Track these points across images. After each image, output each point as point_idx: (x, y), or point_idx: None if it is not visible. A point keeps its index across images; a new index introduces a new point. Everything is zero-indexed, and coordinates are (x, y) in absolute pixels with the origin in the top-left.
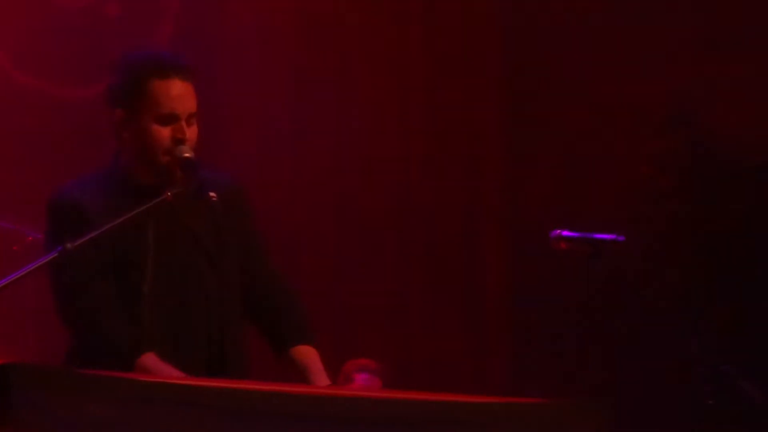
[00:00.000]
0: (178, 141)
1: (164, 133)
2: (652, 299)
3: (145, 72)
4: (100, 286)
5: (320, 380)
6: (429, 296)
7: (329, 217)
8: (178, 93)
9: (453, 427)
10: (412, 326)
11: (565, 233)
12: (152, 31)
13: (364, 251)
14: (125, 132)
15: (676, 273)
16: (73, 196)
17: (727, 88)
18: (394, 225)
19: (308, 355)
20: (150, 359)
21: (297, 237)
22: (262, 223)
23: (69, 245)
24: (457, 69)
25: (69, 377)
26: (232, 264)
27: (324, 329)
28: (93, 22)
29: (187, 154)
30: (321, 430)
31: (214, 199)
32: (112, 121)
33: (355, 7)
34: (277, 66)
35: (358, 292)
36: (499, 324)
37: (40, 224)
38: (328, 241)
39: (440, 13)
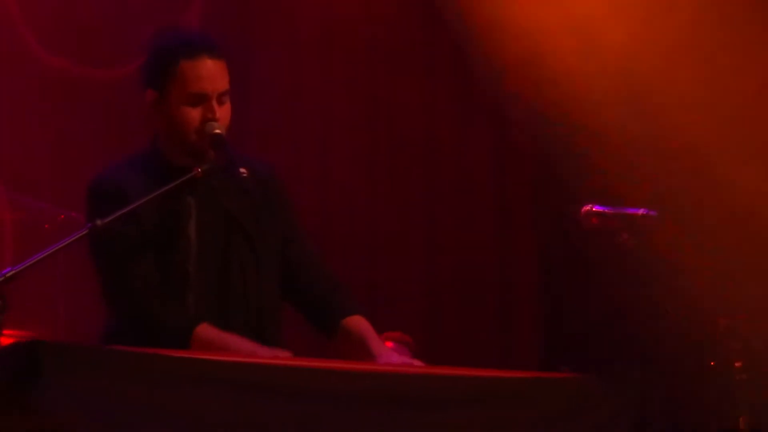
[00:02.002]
0: (208, 120)
1: (194, 113)
2: (684, 275)
3: (175, 52)
4: (144, 265)
5: (379, 347)
6: (459, 270)
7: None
8: (208, 72)
9: (483, 403)
10: (441, 304)
11: (597, 208)
12: (180, 12)
13: (395, 245)
14: (157, 113)
15: (706, 248)
16: (113, 180)
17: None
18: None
19: (361, 324)
20: (207, 330)
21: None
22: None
23: (99, 222)
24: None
25: (99, 355)
26: (271, 246)
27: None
28: (120, 2)
29: (217, 131)
30: (357, 407)
31: (244, 174)
32: (145, 102)
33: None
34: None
35: (388, 278)
36: (530, 301)
37: (69, 202)
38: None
39: None
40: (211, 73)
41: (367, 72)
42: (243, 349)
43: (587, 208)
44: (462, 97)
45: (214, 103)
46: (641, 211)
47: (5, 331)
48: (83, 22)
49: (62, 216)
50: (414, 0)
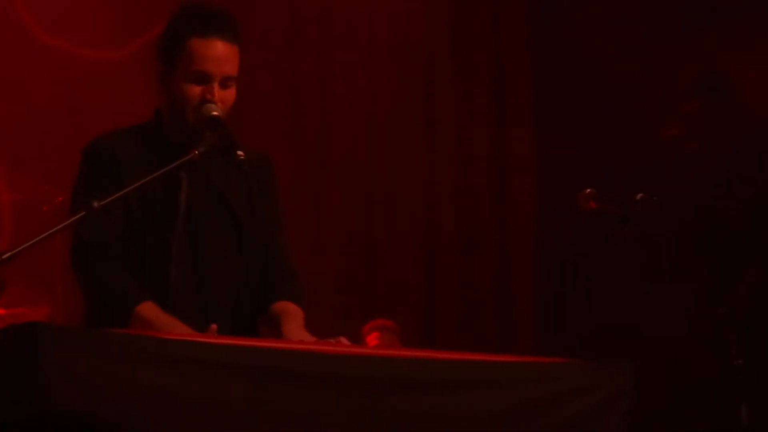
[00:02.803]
0: (207, 101)
1: (195, 91)
2: (680, 262)
3: (188, 28)
4: (116, 246)
5: (290, 329)
6: (456, 261)
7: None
8: (216, 54)
9: (478, 387)
10: (439, 293)
11: (595, 192)
12: None
13: (394, 242)
14: (162, 87)
15: (704, 236)
16: (108, 144)
17: (756, 51)
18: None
19: (286, 307)
20: (148, 309)
21: (323, 238)
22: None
23: (96, 204)
24: (486, 43)
25: (96, 337)
26: (258, 230)
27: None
28: None
29: (214, 113)
30: (335, 388)
31: (241, 157)
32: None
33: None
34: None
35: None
36: (525, 286)
37: (68, 184)
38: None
39: None
40: (219, 55)
41: (367, 68)
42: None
43: (585, 191)
44: (463, 95)
45: (216, 85)
46: (639, 195)
47: (2, 312)
48: (82, 3)
49: (61, 198)
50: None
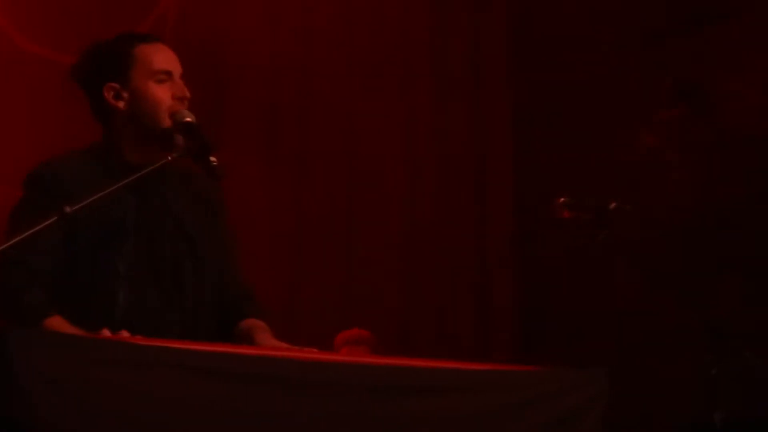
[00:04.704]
0: (179, 100)
1: (162, 91)
2: (656, 269)
3: (130, 41)
4: (35, 263)
5: (263, 339)
6: (435, 266)
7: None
8: (168, 54)
9: (452, 393)
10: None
11: (569, 200)
12: (158, 1)
13: (373, 248)
14: (120, 103)
15: (681, 243)
16: (52, 170)
17: (729, 55)
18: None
19: (254, 323)
20: (56, 322)
21: (301, 246)
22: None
23: (68, 209)
24: (464, 50)
25: (68, 340)
26: (213, 250)
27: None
28: None
29: (188, 119)
30: (311, 395)
31: (215, 163)
32: (101, 100)
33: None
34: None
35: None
36: (504, 294)
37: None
38: (339, 239)
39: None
40: (170, 54)
41: (347, 82)
42: None
43: (559, 200)
44: (440, 102)
45: (182, 84)
46: (613, 204)
47: None
48: (61, 8)
49: None
50: (393, 8)
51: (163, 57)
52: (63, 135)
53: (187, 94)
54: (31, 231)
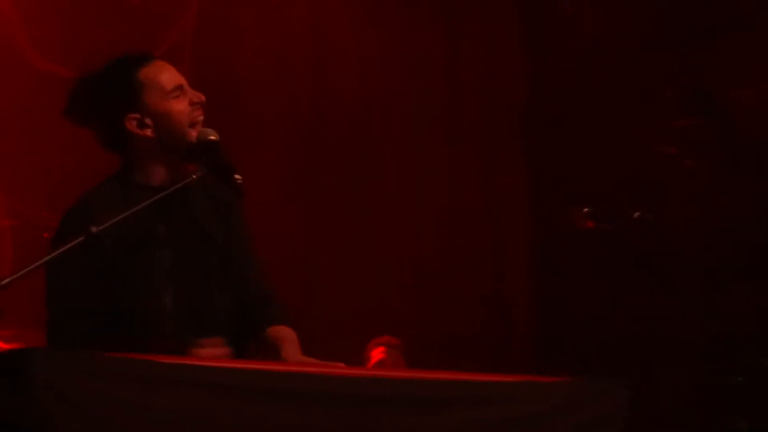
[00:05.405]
0: (197, 105)
1: (181, 105)
2: (677, 278)
3: (130, 67)
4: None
5: (289, 352)
6: (451, 275)
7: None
8: (169, 69)
9: (473, 406)
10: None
11: (590, 210)
12: (175, 20)
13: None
14: (147, 131)
15: (701, 251)
16: (86, 206)
17: (744, 63)
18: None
19: (282, 331)
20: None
21: (313, 267)
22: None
23: (94, 229)
24: (478, 59)
25: (93, 361)
26: (234, 255)
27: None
28: (115, 10)
29: (212, 137)
30: (342, 410)
31: (239, 180)
32: (121, 131)
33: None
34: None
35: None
36: (524, 304)
37: (63, 211)
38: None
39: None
40: (170, 68)
41: (360, 84)
42: None
43: (581, 210)
44: (453, 105)
45: (191, 89)
46: (637, 214)
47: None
48: (78, 29)
49: None
50: (402, 8)
51: (168, 74)
52: (85, 155)
53: (203, 98)
54: (59, 252)
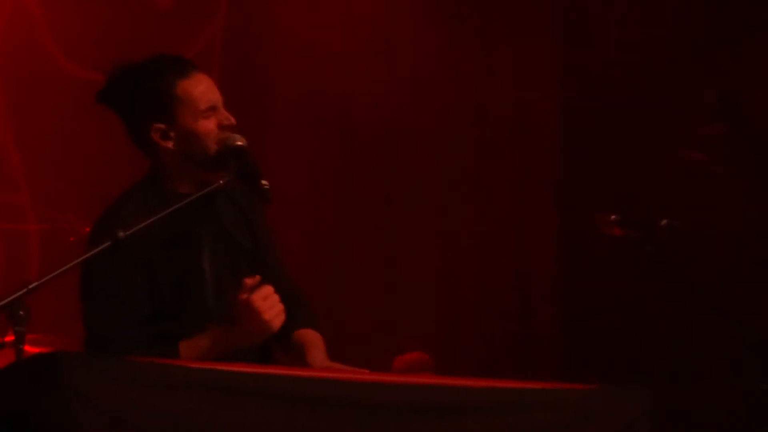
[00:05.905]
0: (226, 128)
1: (211, 125)
2: (706, 285)
3: (170, 78)
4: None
5: (315, 357)
6: (478, 278)
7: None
8: (206, 85)
9: (499, 414)
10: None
11: (618, 218)
12: (203, 26)
13: (412, 266)
14: (168, 143)
15: (731, 258)
16: (116, 220)
17: None
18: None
19: (308, 335)
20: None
21: (344, 266)
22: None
23: (122, 233)
24: (508, 68)
25: (121, 366)
26: (263, 259)
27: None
28: (145, 15)
29: (239, 143)
30: (367, 416)
31: (266, 186)
32: (147, 138)
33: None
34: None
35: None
36: (551, 314)
37: (93, 215)
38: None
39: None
40: (209, 84)
41: (389, 76)
42: None
43: (608, 217)
44: (483, 111)
45: (225, 110)
46: (664, 221)
47: (30, 337)
48: (108, 34)
49: (87, 229)
50: (435, 7)
51: (205, 91)
52: (113, 160)
53: (233, 121)
54: (86, 256)
